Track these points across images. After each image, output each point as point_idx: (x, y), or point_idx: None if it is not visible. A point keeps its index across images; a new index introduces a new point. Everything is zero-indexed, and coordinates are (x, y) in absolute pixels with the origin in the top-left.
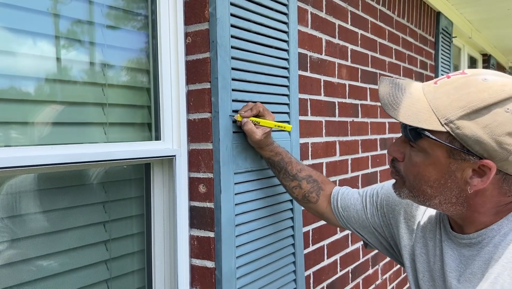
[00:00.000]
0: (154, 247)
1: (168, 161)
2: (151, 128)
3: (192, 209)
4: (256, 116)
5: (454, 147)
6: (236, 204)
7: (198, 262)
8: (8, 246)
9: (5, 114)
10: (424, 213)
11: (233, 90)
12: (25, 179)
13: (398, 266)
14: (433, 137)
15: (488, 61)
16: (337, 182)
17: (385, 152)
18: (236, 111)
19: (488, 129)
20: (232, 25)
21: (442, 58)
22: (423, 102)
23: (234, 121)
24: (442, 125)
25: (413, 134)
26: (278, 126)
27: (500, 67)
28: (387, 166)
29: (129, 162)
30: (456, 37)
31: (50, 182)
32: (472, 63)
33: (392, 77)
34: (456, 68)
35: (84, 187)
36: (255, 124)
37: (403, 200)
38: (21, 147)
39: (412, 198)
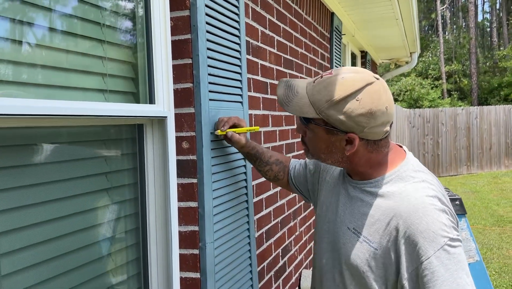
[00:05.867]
0: (148, 196)
1: (159, 122)
2: (146, 95)
3: (177, 162)
4: (232, 126)
5: (328, 127)
6: (212, 157)
7: (183, 204)
8: (16, 193)
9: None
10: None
11: (208, 66)
12: (40, 134)
13: (310, 221)
14: (314, 122)
15: (365, 57)
16: (270, 148)
17: None
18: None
19: (346, 114)
20: (206, 14)
21: (335, 51)
22: (305, 98)
23: (216, 136)
24: (318, 114)
25: (303, 121)
26: (251, 129)
27: (373, 63)
28: None
29: (130, 119)
30: (345, 34)
31: (61, 137)
32: (353, 58)
33: (288, 78)
34: (344, 62)
35: (89, 143)
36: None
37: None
38: (31, 99)
39: (315, 159)
